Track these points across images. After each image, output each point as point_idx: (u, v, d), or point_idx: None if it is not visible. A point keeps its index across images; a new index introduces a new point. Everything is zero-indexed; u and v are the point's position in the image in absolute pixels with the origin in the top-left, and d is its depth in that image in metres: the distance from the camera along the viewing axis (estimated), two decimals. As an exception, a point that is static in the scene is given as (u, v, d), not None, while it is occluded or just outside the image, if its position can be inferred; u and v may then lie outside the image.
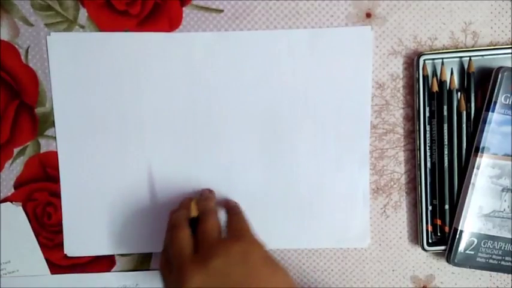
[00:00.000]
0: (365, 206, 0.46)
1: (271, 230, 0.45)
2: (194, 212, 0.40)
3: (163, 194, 0.45)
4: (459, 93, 0.44)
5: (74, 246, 0.46)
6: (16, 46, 0.44)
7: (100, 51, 0.44)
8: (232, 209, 0.42)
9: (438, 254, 0.46)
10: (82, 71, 0.44)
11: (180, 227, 0.38)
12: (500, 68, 0.43)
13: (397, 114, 0.45)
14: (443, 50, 0.44)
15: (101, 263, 0.46)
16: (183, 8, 0.44)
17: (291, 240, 0.46)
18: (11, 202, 0.45)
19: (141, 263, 0.47)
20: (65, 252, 0.46)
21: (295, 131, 0.45)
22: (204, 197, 0.43)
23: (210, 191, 0.45)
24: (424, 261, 0.47)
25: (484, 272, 0.46)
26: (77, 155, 0.45)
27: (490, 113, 0.43)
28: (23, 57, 0.44)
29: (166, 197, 0.45)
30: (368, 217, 0.46)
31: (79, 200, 0.45)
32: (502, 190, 0.43)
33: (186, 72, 0.44)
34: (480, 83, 0.44)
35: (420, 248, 0.45)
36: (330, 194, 0.46)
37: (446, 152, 0.44)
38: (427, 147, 0.45)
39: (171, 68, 0.44)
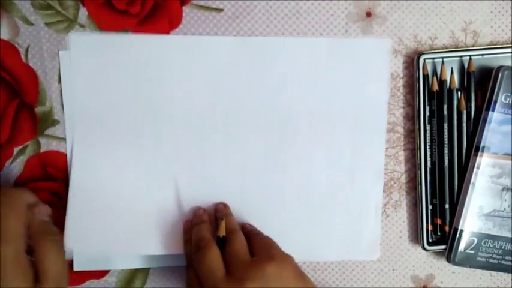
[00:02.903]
0: (376, 219, 0.46)
1: (281, 240, 0.42)
2: (223, 232, 0.39)
3: (179, 199, 0.45)
4: (459, 93, 0.44)
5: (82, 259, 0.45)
6: (16, 45, 0.44)
7: (120, 53, 0.44)
8: (252, 231, 0.42)
9: (438, 254, 0.46)
10: (100, 71, 0.44)
11: (209, 247, 0.37)
12: (500, 67, 0.43)
13: (397, 113, 0.45)
14: (443, 49, 0.44)
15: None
16: (183, 7, 0.44)
17: (299, 252, 0.43)
18: (11, 201, 0.45)
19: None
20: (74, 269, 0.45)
21: (311, 140, 0.45)
22: (220, 211, 0.43)
23: (225, 205, 0.44)
24: (424, 260, 0.47)
25: (484, 271, 0.46)
26: (90, 160, 0.44)
27: (490, 112, 0.43)
28: (22, 57, 0.44)
29: (182, 201, 0.45)
30: (379, 230, 0.46)
31: (87, 208, 0.44)
32: (502, 189, 0.43)
33: (206, 76, 0.44)
34: (480, 82, 0.44)
35: (420, 248, 0.45)
36: (342, 206, 0.45)
37: (446, 151, 0.44)
38: (427, 147, 0.45)
39: (192, 72, 0.44)
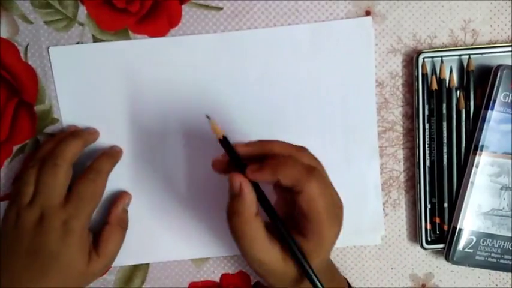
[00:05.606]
0: (377, 199, 0.45)
1: None
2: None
3: (170, 195, 0.45)
4: (458, 91, 0.44)
5: None
6: (15, 44, 0.44)
7: (101, 61, 0.44)
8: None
9: (437, 252, 0.47)
10: (86, 81, 0.44)
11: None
12: (499, 66, 0.43)
13: (396, 112, 0.45)
14: (442, 48, 0.44)
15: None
16: (183, 6, 0.44)
17: None
18: (10, 200, 0.45)
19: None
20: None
21: (302, 127, 0.45)
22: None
23: None
24: (423, 259, 0.47)
25: (483, 270, 0.46)
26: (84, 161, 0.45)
27: (489, 111, 0.43)
28: (22, 55, 0.44)
29: (174, 198, 0.46)
30: (381, 210, 0.46)
31: None
32: (501, 188, 0.43)
33: (188, 75, 0.44)
34: (479, 81, 0.44)
35: (419, 246, 0.45)
36: (341, 189, 0.45)
37: (445, 150, 0.44)
38: (426, 145, 0.45)
39: (173, 72, 0.44)
